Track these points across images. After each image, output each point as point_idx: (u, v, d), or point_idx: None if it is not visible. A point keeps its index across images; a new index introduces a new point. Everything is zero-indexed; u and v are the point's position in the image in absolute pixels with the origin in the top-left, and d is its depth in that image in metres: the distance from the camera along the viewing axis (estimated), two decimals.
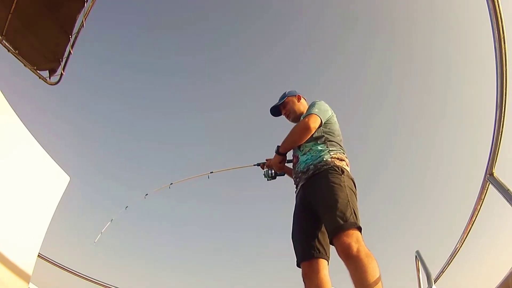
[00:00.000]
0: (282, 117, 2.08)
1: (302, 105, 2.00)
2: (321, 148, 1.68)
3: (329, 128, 1.76)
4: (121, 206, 3.15)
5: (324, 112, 1.76)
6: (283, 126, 1.98)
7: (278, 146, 1.84)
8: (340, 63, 13.92)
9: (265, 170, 2.06)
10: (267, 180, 2.05)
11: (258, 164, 2.17)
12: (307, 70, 13.77)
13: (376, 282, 1.21)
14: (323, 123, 1.73)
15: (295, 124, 1.86)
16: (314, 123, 1.68)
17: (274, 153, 1.88)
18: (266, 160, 2.12)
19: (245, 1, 12.42)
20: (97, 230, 3.08)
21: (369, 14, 12.08)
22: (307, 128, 1.67)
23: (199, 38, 13.04)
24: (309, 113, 1.73)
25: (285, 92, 2.06)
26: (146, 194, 3.06)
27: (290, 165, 2.05)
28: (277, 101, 2.06)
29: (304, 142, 1.73)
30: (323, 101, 1.84)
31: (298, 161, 1.75)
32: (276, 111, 2.07)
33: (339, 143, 1.75)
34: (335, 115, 1.85)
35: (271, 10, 12.78)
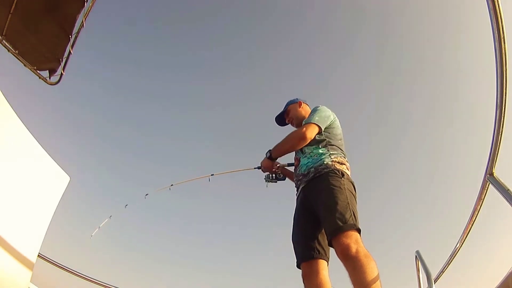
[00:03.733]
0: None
1: (304, 110, 2.02)
2: (322, 152, 1.70)
3: (330, 132, 1.78)
4: (122, 205, 3.19)
5: (324, 119, 1.77)
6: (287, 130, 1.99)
7: (269, 150, 1.85)
8: (347, 64, 13.91)
9: (266, 174, 2.08)
10: (267, 183, 2.07)
11: (259, 167, 2.18)
12: (315, 71, 13.76)
13: (374, 282, 1.22)
14: (323, 129, 1.75)
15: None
16: (311, 133, 1.70)
17: (265, 157, 1.88)
18: None
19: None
20: (96, 226, 3.11)
21: (375, 15, 12.07)
22: (303, 137, 1.69)
23: (202, 39, 13.05)
24: (308, 122, 1.75)
25: (288, 102, 2.11)
26: (147, 194, 3.08)
27: (291, 169, 2.06)
28: (279, 114, 2.12)
29: (306, 145, 1.75)
30: (325, 107, 1.86)
31: (299, 163, 1.76)
32: (281, 120, 2.12)
33: (340, 147, 1.77)
34: (337, 120, 1.87)
35: (278, 10, 12.75)
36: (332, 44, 13.41)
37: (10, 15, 2.90)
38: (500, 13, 1.36)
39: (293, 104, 2.07)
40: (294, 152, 1.89)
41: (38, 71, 3.38)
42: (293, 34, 13.36)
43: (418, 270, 2.56)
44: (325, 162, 1.64)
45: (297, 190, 1.78)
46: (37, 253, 2.22)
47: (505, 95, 1.50)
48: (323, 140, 1.74)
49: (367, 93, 13.90)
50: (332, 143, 1.74)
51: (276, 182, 2.08)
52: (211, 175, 2.79)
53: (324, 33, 13.18)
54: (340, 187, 1.51)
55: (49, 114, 9.51)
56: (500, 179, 1.66)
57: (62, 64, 3.31)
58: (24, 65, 3.27)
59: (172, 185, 2.97)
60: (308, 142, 1.71)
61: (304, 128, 1.71)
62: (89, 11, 3.02)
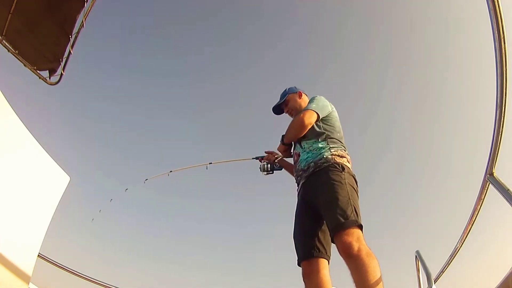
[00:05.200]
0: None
1: (303, 101, 1.97)
2: (322, 146, 1.66)
3: (329, 125, 1.75)
4: (122, 188, 3.21)
5: (322, 108, 1.75)
6: (287, 121, 1.98)
7: (283, 135, 1.87)
8: (339, 60, 13.94)
9: (261, 164, 2.05)
10: (264, 174, 2.04)
11: (257, 158, 2.16)
12: (308, 66, 13.79)
13: (377, 282, 1.21)
14: (321, 118, 1.73)
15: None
16: (309, 118, 1.68)
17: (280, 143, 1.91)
18: (266, 152, 2.11)
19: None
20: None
21: (368, 11, 12.09)
22: (301, 124, 1.68)
23: (198, 37, 13.08)
24: (305, 109, 1.73)
25: (286, 90, 2.04)
26: (146, 179, 3.09)
27: (291, 160, 2.02)
28: (279, 100, 2.04)
29: (305, 140, 1.73)
30: (323, 97, 1.84)
31: (299, 158, 1.74)
32: (278, 109, 2.06)
33: (340, 140, 1.74)
34: (336, 111, 1.84)
35: (270, 8, 12.79)
36: (322, 44, 13.46)
37: (10, 15, 2.90)
38: (500, 13, 1.36)
39: (293, 94, 2.00)
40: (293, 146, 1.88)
41: (38, 71, 3.37)
42: (282, 34, 13.43)
43: (418, 270, 2.56)
44: (324, 156, 1.60)
45: (298, 186, 1.76)
46: (37, 253, 2.22)
47: (505, 95, 1.50)
48: (322, 133, 1.70)
49: (364, 92, 13.91)
50: (331, 136, 1.71)
51: (273, 172, 2.06)
52: (209, 163, 2.78)
53: (313, 34, 13.23)
54: (340, 182, 1.48)
55: (49, 114, 9.51)
56: (500, 179, 1.66)
57: (62, 64, 3.31)
58: (24, 65, 3.26)
59: (171, 171, 2.97)
60: (308, 129, 1.69)
61: (302, 114, 1.69)
62: (89, 11, 3.01)
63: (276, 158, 2.06)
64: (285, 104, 2.01)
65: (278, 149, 1.96)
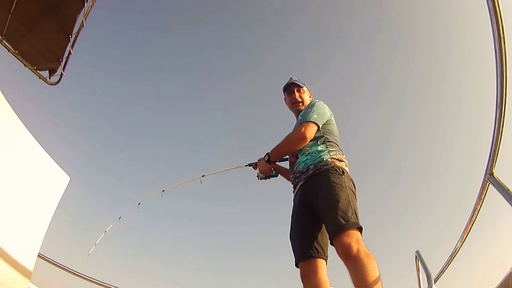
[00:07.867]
0: (281, 111, 2.08)
1: (307, 104, 1.96)
2: (321, 149, 1.68)
3: (328, 129, 1.76)
4: (115, 218, 3.08)
5: (322, 116, 1.75)
6: (281, 127, 1.96)
7: (267, 153, 1.81)
8: (340, 60, 13.95)
9: (257, 170, 2.02)
10: (259, 179, 2.03)
11: (250, 165, 2.14)
12: (308, 66, 13.79)
13: (375, 282, 1.21)
14: (321, 126, 1.73)
15: (290, 131, 1.82)
16: (311, 132, 1.67)
17: (262, 160, 1.85)
18: (259, 160, 2.07)
19: None
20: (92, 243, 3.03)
21: (369, 11, 12.10)
22: (303, 138, 1.66)
23: (197, 38, 13.09)
24: (307, 120, 1.69)
25: (304, 82, 2.03)
26: (139, 204, 3.01)
27: (283, 164, 2.03)
28: (295, 81, 2.01)
29: None
30: (322, 102, 1.83)
31: (296, 160, 1.74)
32: (289, 87, 2.01)
33: (337, 143, 1.76)
34: (333, 116, 1.85)
35: (271, 7, 12.78)
36: (324, 41, 13.47)
37: (10, 15, 2.90)
38: (500, 13, 1.35)
39: (308, 89, 2.02)
40: None
41: (38, 71, 3.38)
42: (282, 34, 13.46)
43: (418, 270, 2.56)
44: (324, 159, 1.62)
45: (295, 188, 1.76)
46: (37, 253, 2.22)
47: (505, 95, 1.50)
48: (321, 136, 1.72)
49: (364, 93, 13.91)
50: (330, 140, 1.72)
51: (269, 179, 2.04)
52: (202, 176, 2.71)
53: (316, 31, 13.24)
54: (341, 185, 1.49)
55: (49, 114, 9.52)
56: (500, 179, 1.66)
57: (62, 64, 3.31)
58: (24, 65, 3.27)
59: (163, 191, 2.90)
60: (308, 142, 1.68)
61: (303, 128, 1.67)
62: (89, 11, 3.02)
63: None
64: (298, 89, 1.97)
65: (260, 168, 1.91)
